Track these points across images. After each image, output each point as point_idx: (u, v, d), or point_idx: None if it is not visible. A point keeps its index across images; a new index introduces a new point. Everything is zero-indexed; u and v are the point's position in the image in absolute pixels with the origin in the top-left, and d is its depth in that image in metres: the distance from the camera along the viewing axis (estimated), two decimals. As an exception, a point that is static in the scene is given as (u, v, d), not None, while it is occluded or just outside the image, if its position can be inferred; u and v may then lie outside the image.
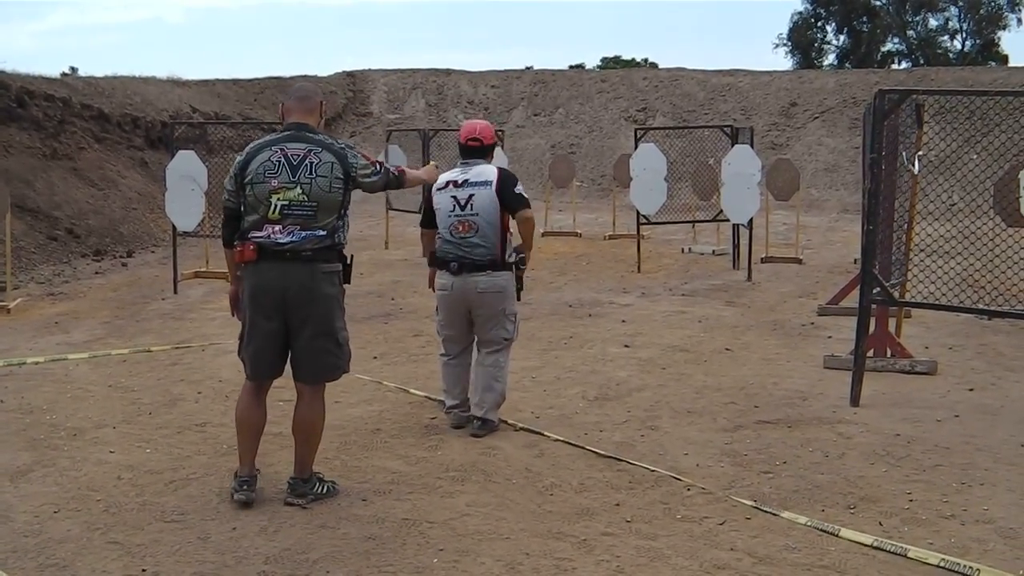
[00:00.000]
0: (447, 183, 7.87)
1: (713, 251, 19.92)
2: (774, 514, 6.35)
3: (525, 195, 7.91)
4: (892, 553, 5.78)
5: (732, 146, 17.17)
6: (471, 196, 7.77)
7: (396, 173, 6.79)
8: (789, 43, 67.70)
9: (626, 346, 11.26)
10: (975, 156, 9.51)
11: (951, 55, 64.13)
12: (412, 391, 9.26)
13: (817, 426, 8.29)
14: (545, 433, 7.96)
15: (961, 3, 65.62)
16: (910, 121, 10.21)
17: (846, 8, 65.94)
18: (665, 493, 6.71)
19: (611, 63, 63.88)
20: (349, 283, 6.60)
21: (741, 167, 16.14)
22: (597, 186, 32.02)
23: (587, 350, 11.08)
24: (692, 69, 39.32)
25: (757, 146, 20.61)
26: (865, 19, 66.86)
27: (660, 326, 12.51)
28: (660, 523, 6.20)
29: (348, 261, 6.58)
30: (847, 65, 61.11)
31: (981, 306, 9.50)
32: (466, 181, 7.82)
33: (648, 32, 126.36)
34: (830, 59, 67.22)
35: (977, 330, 12.37)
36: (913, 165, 10.09)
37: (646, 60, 63.13)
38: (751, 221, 16.81)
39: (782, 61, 67.43)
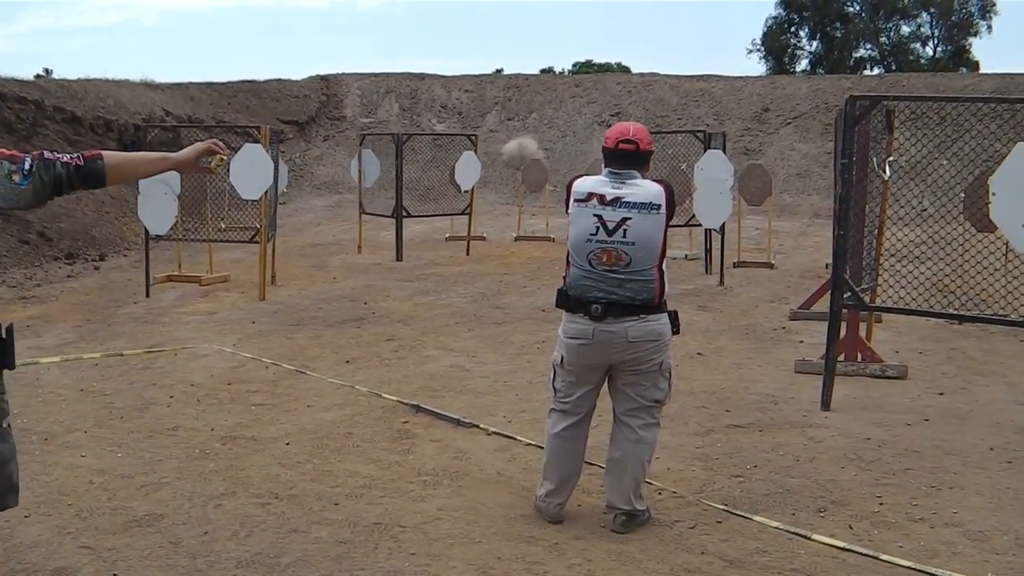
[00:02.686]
0: (590, 195, 6.10)
1: (686, 256, 19.98)
2: (745, 517, 6.41)
3: None
4: (863, 555, 5.86)
5: (704, 151, 17.25)
6: (625, 221, 5.97)
7: (77, 164, 4.53)
8: (763, 48, 67.99)
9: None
10: (945, 162, 9.57)
11: (923, 61, 64.46)
12: (384, 395, 9.25)
13: (788, 430, 8.35)
14: (517, 437, 7.98)
15: (933, 10, 66.00)
16: (881, 127, 10.28)
17: (819, 14, 66.25)
18: (636, 497, 6.74)
19: (583, 67, 63.96)
20: None
21: (713, 172, 16.19)
22: (571, 191, 32.03)
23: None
24: (665, 74, 39.39)
25: (730, 151, 20.70)
26: (838, 25, 67.18)
27: (632, 331, 12.48)
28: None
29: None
30: (820, 71, 61.36)
31: (951, 311, 9.59)
32: (618, 199, 6.02)
33: (621, 36, 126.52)
34: (803, 64, 67.55)
35: (947, 335, 12.45)
36: (884, 171, 10.17)
37: (619, 64, 63.22)
38: (723, 226, 16.89)
39: (756, 66, 67.67)
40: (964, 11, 66.11)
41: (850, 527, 6.30)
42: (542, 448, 7.59)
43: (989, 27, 65.91)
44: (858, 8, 67.29)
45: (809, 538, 6.08)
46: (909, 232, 9.80)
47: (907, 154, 9.75)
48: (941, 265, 9.48)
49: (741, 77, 38.95)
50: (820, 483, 7.08)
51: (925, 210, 9.89)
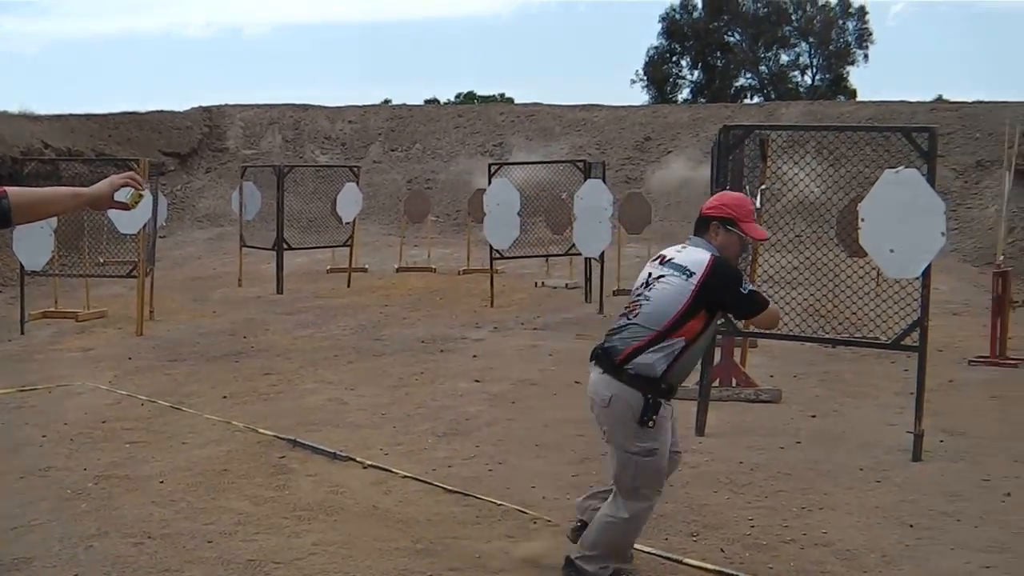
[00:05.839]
0: (658, 256, 5.89)
1: (567, 284, 20.11)
2: (618, 544, 6.44)
3: (757, 290, 5.90)
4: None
5: (585, 180, 17.42)
6: (660, 278, 5.63)
7: None
8: (646, 78, 68.68)
9: (477, 381, 11.32)
10: (816, 188, 9.76)
11: (802, 90, 65.59)
12: (261, 430, 9.18)
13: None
14: (393, 470, 7.96)
15: (812, 39, 67.32)
16: (757, 155, 10.48)
17: (701, 44, 67.15)
18: (512, 527, 6.78)
19: (467, 98, 64.13)
20: None
21: (593, 201, 16.38)
22: (453, 221, 32.05)
23: (438, 385, 11.12)
24: (548, 104, 39.66)
25: (612, 180, 20.94)
26: (719, 55, 68.15)
27: (511, 360, 12.61)
28: (507, 557, 6.26)
29: None
30: (701, 100, 62.15)
31: (825, 335, 9.76)
32: (670, 260, 5.72)
33: (505, 67, 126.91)
34: (685, 94, 68.36)
35: (822, 358, 12.69)
36: (756, 198, 10.35)
37: (502, 95, 63.50)
38: (603, 254, 17.03)
39: (639, 96, 68.27)
40: (842, 40, 67.53)
41: (722, 550, 6.38)
42: (419, 480, 7.63)
43: (866, 56, 67.42)
44: (738, 38, 68.36)
45: (681, 562, 6.16)
46: (785, 258, 9.98)
47: (785, 180, 9.93)
48: (815, 290, 9.66)
49: (624, 106, 39.34)
50: (693, 507, 7.17)
51: (800, 235, 10.07)
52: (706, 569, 6.07)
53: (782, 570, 6.07)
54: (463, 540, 6.54)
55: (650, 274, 5.73)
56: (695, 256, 5.63)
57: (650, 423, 5.48)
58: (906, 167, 8.70)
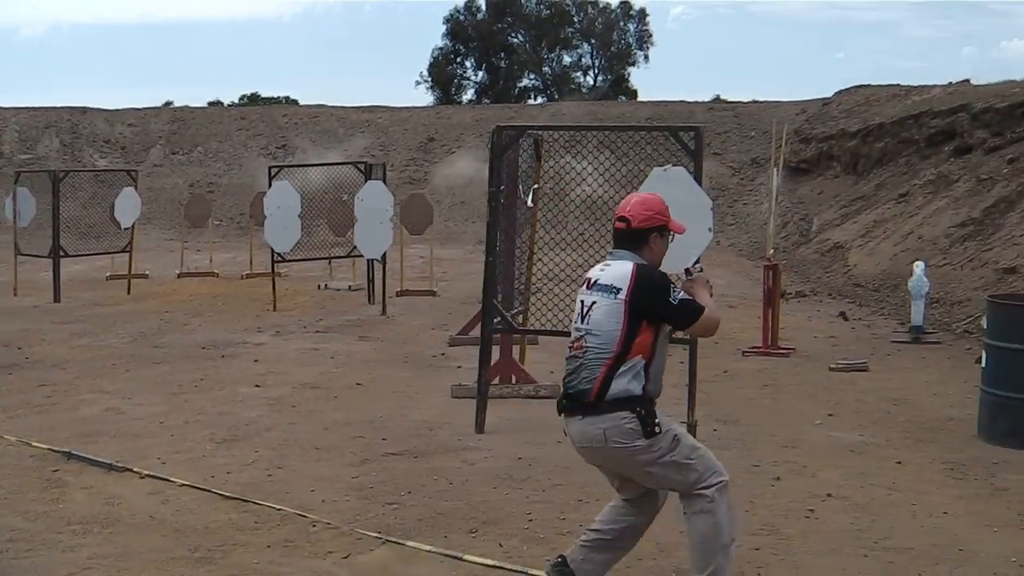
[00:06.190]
0: (587, 279, 5.60)
1: (349, 287, 20.10)
2: (399, 543, 6.51)
3: (689, 297, 5.49)
4: (513, 571, 6.10)
5: (366, 182, 17.44)
6: (592, 305, 5.38)
7: None
8: (430, 79, 68.85)
9: (257, 386, 11.24)
10: (600, 187, 9.93)
11: (584, 90, 66.63)
12: (34, 444, 8.93)
13: (443, 455, 8.55)
14: (171, 479, 7.86)
15: (594, 41, 68.47)
16: (532, 156, 10.65)
17: (485, 45, 67.61)
18: (291, 531, 6.77)
19: (251, 100, 63.38)
20: None
21: (374, 203, 16.42)
22: (236, 225, 31.71)
23: (218, 392, 11.00)
24: (332, 106, 39.55)
25: (396, 181, 21.02)
26: (503, 56, 68.73)
27: (293, 364, 12.56)
28: (286, 561, 6.26)
29: None
30: (486, 100, 62.62)
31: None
32: (597, 282, 5.44)
33: (290, 69, 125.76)
34: (470, 95, 68.79)
35: (603, 354, 12.94)
36: (528, 198, 10.53)
37: (287, 98, 62.91)
38: (385, 256, 17.08)
39: (424, 97, 68.51)
40: (623, 42, 68.90)
41: (500, 545, 6.51)
42: (197, 488, 7.56)
43: (646, 57, 69.03)
44: (522, 39, 69.07)
45: (461, 559, 6.25)
46: (569, 256, 10.13)
47: (568, 179, 10.12)
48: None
49: (407, 108, 39.49)
50: (473, 505, 7.28)
51: (583, 233, 10.25)
52: (485, 565, 6.16)
53: (559, 562, 6.20)
54: (241, 547, 6.51)
55: (583, 303, 5.45)
56: (618, 271, 5.36)
57: (657, 429, 5.24)
58: (674, 165, 8.95)
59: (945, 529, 6.86)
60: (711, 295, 5.68)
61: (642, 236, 5.45)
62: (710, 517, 5.32)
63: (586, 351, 5.31)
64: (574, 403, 5.37)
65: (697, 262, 6.39)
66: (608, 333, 5.25)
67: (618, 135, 10.15)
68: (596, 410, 5.26)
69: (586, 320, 5.36)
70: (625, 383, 5.22)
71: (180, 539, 6.64)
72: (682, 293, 5.42)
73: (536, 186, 10.83)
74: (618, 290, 5.27)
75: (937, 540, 6.64)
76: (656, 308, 5.30)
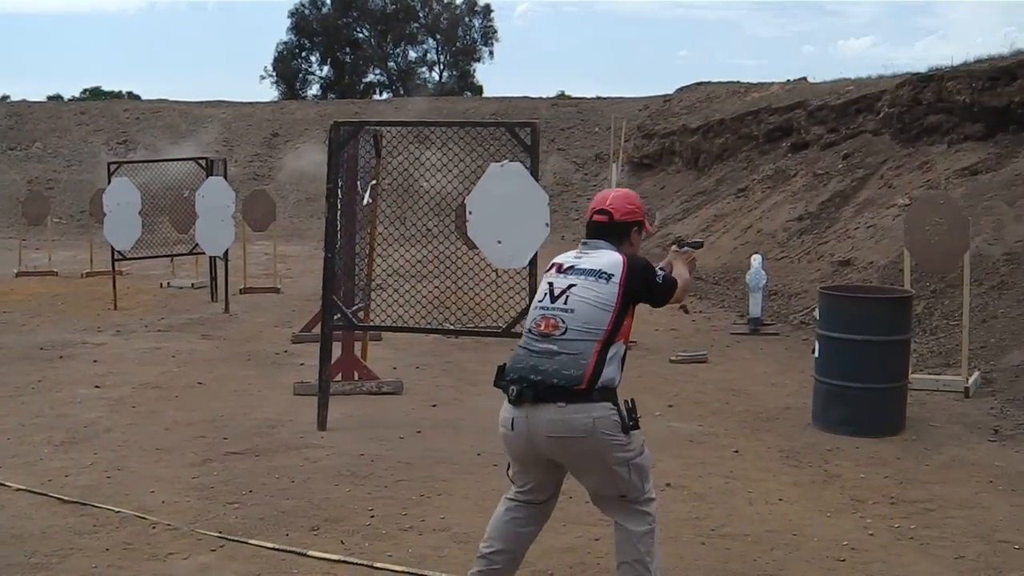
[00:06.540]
0: (552, 264, 5.43)
1: (192, 284, 19.89)
2: (241, 542, 6.48)
3: (672, 277, 5.52)
4: (357, 565, 6.12)
5: (207, 178, 17.25)
6: (569, 288, 5.16)
7: None
8: (275, 74, 68.29)
9: (97, 387, 11.03)
10: (435, 182, 9.96)
11: (430, 85, 66.71)
12: None
13: (285, 453, 8.51)
14: (6, 483, 7.69)
15: (439, 36, 68.58)
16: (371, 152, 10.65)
17: (330, 40, 67.28)
18: (130, 533, 6.68)
19: (93, 95, 62.21)
20: None
21: (215, 199, 16.24)
22: (77, 222, 31.09)
23: (56, 393, 10.76)
24: (174, 101, 39.01)
25: (240, 177, 20.84)
26: (348, 51, 68.47)
27: (134, 364, 12.35)
28: (126, 564, 6.19)
29: None
30: (331, 96, 62.32)
31: (446, 326, 10.02)
32: (573, 267, 5.27)
33: (132, 63, 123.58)
34: (315, 90, 68.39)
35: (446, 348, 13.05)
36: (365, 194, 10.53)
37: (129, 92, 61.85)
38: (227, 253, 16.93)
39: (269, 92, 67.99)
40: (468, 38, 69.17)
41: (342, 542, 6.51)
42: (33, 492, 7.43)
43: (491, 53, 69.43)
44: (367, 34, 68.89)
45: (305, 555, 6.25)
46: (412, 251, 10.15)
47: (415, 175, 10.12)
48: (440, 282, 9.86)
49: (251, 103, 39.11)
50: (314, 502, 7.27)
51: (430, 230, 10.28)
52: (328, 560, 6.17)
53: (401, 557, 6.23)
54: (79, 551, 6.40)
55: (552, 284, 5.22)
56: (607, 259, 5.19)
57: (637, 425, 5.07)
58: (511, 160, 9.03)
59: (780, 515, 7.05)
60: (690, 272, 5.78)
61: (624, 230, 5.39)
62: (650, 539, 5.21)
63: (565, 331, 5.03)
64: (552, 390, 4.96)
65: (700, 242, 6.29)
66: (596, 318, 5.03)
67: (465, 131, 10.19)
68: (586, 397, 4.96)
69: (564, 300, 5.12)
70: (612, 372, 5.04)
71: (16, 545, 6.49)
72: (660, 270, 5.43)
73: (374, 182, 10.85)
74: (610, 275, 5.11)
75: (773, 526, 6.82)
76: (645, 289, 5.23)
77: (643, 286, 5.20)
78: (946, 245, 10.71)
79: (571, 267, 5.23)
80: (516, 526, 5.33)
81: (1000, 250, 14.04)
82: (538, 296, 5.29)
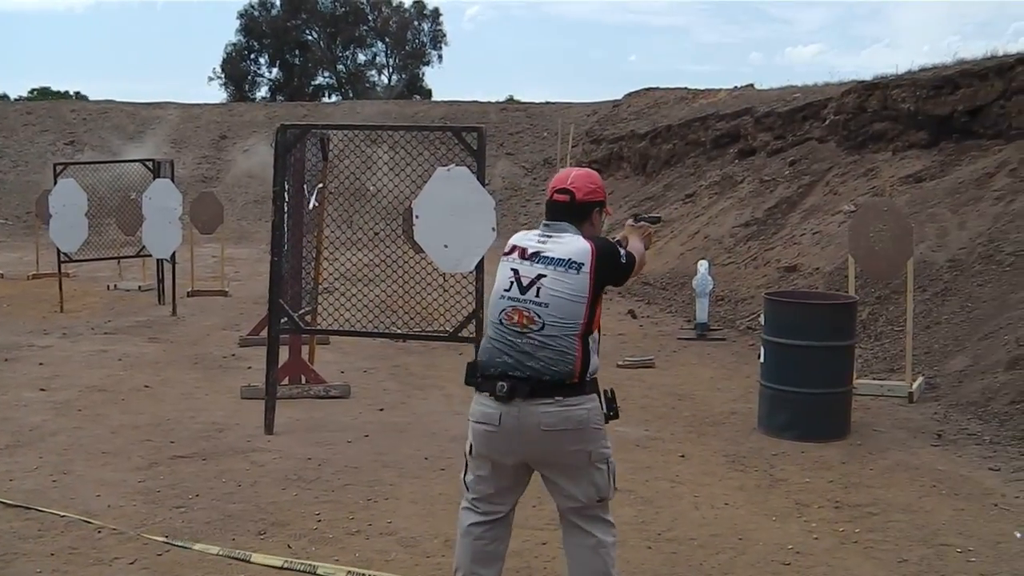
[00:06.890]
0: (513, 247, 5.20)
1: (139, 287, 19.80)
2: (186, 547, 6.46)
3: (631, 253, 5.35)
4: (302, 572, 6.10)
5: (155, 180, 17.17)
6: (539, 279, 5.00)
7: None
8: (223, 76, 68.05)
9: (42, 390, 10.95)
10: (382, 185, 9.96)
11: (379, 89, 66.66)
12: None
13: (232, 456, 8.49)
14: (-58, 492, 7.65)
15: (388, 40, 68.56)
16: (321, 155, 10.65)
17: (279, 42, 67.12)
18: (76, 538, 6.64)
19: (39, 95, 61.73)
20: None
21: (162, 201, 16.19)
22: (23, 223, 30.84)
23: (1, 396, 10.67)
24: (121, 102, 38.76)
25: (188, 179, 20.75)
26: (298, 53, 68.32)
27: (80, 367, 12.27)
28: (71, 569, 6.15)
29: None
30: (280, 98, 62.14)
31: (393, 330, 10.03)
32: (538, 254, 5.07)
33: (80, 63, 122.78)
34: (263, 92, 68.18)
35: (392, 352, 13.06)
36: (312, 197, 10.53)
37: (77, 93, 61.40)
38: (174, 255, 16.86)
39: (218, 93, 67.78)
40: (417, 41, 69.22)
41: (289, 546, 6.50)
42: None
43: (440, 57, 69.49)
44: (316, 37, 68.76)
45: (249, 561, 6.23)
46: (359, 255, 10.16)
47: (363, 179, 10.12)
48: (387, 286, 9.86)
49: (198, 104, 38.93)
50: (261, 506, 7.26)
51: (378, 234, 10.29)
52: (272, 566, 6.16)
53: (347, 561, 6.24)
54: (23, 556, 6.36)
55: (518, 272, 5.07)
56: (574, 246, 5.01)
57: (617, 415, 5.06)
58: (458, 164, 9.05)
59: (726, 519, 7.11)
60: (647, 246, 5.72)
61: (586, 210, 5.18)
62: (615, 550, 5.14)
63: (543, 327, 4.90)
64: (547, 385, 4.89)
65: (658, 216, 6.34)
66: (571, 311, 4.91)
67: (413, 135, 10.20)
68: (581, 390, 4.92)
69: (536, 292, 4.96)
70: (596, 360, 5.00)
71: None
72: (622, 249, 5.28)
73: (321, 185, 10.85)
74: (580, 265, 4.94)
75: (718, 530, 6.88)
76: (612, 272, 5.09)
77: (610, 270, 5.06)
78: (890, 252, 10.81)
79: (536, 253, 5.05)
80: (484, 545, 5.18)
81: (944, 257, 14.19)
82: (502, 283, 5.10)
